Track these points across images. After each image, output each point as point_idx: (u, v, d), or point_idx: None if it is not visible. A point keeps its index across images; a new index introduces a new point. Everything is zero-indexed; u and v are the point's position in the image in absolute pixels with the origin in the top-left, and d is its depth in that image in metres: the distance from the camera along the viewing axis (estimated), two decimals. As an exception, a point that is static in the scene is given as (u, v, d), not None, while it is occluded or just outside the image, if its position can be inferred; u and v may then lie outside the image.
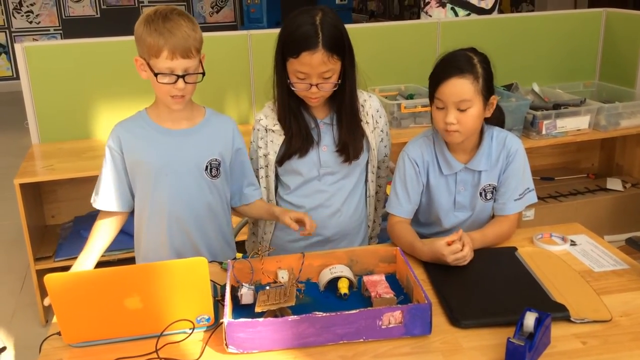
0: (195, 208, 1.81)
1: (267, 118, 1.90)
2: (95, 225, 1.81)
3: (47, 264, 2.86)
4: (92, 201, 1.81)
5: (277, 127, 1.87)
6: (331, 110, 1.88)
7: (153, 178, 1.76)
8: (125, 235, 1.94)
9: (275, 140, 1.89)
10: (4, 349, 1.75)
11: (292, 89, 1.78)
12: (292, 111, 1.84)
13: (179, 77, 1.65)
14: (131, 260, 1.95)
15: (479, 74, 1.71)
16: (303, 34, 1.70)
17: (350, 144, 1.86)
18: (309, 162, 1.88)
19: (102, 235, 1.80)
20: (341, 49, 1.74)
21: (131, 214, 1.86)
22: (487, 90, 1.74)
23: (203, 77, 1.71)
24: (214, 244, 1.88)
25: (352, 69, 1.81)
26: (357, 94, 1.86)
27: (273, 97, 1.88)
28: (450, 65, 1.74)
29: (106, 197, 1.79)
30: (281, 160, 1.89)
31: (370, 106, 1.93)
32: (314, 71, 1.71)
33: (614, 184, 3.50)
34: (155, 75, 1.65)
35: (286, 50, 1.74)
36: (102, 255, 2.86)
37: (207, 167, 1.79)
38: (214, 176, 1.81)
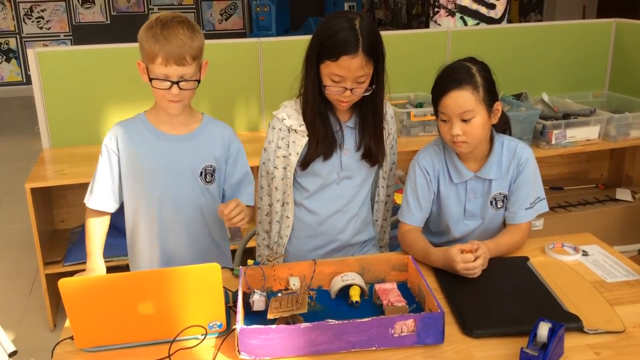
0: (186, 212, 1.84)
1: (290, 118, 1.87)
2: (92, 224, 1.82)
3: (56, 268, 2.86)
4: (85, 200, 1.82)
5: (302, 128, 1.85)
6: (354, 113, 1.88)
7: (147, 180, 1.79)
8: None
9: (297, 142, 1.86)
10: (15, 352, 1.75)
11: (325, 92, 1.78)
12: (320, 114, 1.83)
13: (173, 83, 1.68)
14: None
15: (478, 84, 1.72)
16: (343, 38, 1.70)
17: (375, 147, 1.87)
18: (329, 165, 1.87)
19: (101, 234, 1.82)
20: (377, 54, 1.75)
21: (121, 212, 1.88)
22: (490, 97, 1.74)
23: (198, 84, 1.74)
24: (205, 249, 1.90)
25: (383, 75, 1.82)
26: (384, 100, 1.87)
27: (297, 97, 1.87)
28: (449, 78, 1.75)
29: (101, 197, 1.81)
30: (306, 163, 1.86)
31: (386, 112, 1.94)
32: (351, 75, 1.72)
33: (623, 194, 3.49)
34: (150, 80, 1.69)
35: (323, 53, 1.74)
36: (112, 260, 2.88)
37: (202, 172, 1.82)
38: (209, 182, 1.84)
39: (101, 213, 1.82)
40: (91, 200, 1.81)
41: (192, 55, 1.68)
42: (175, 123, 1.80)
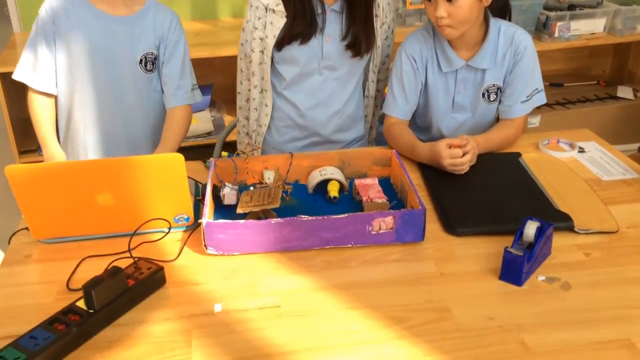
0: (124, 99, 1.73)
1: None
2: (39, 107, 1.70)
3: (32, 157, 2.79)
4: (25, 79, 1.69)
5: (280, 8, 1.69)
6: None
7: (83, 61, 1.67)
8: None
9: (275, 23, 1.70)
10: None
11: None
12: None
13: None
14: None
15: None
16: None
17: (363, 37, 1.71)
18: (308, 51, 1.72)
19: (51, 118, 1.72)
20: None
21: None
22: None
23: None
24: (140, 141, 1.80)
25: None
26: None
27: None
28: None
29: (47, 77, 1.69)
30: (280, 43, 1.71)
31: None
32: None
33: (625, 92, 3.37)
34: None
35: None
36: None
37: (142, 60, 1.71)
38: (149, 70, 1.73)
39: (47, 95, 1.71)
40: (38, 81, 1.68)
41: None
42: (116, 2, 1.67)
